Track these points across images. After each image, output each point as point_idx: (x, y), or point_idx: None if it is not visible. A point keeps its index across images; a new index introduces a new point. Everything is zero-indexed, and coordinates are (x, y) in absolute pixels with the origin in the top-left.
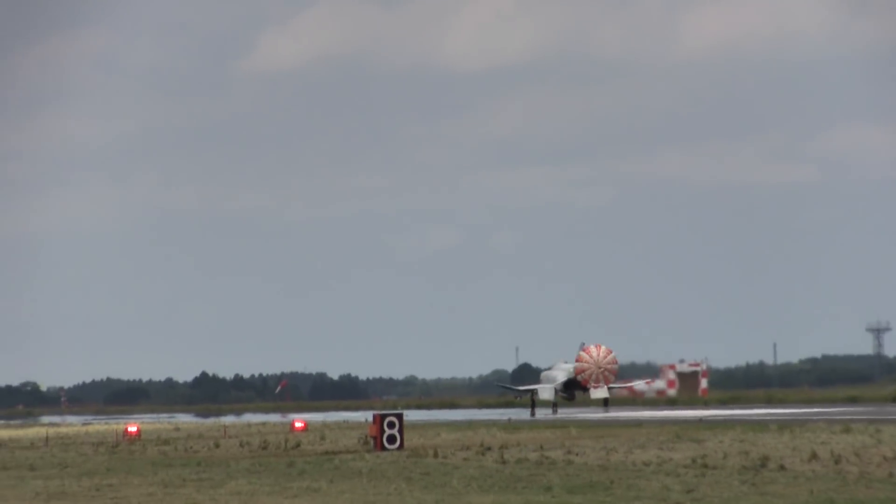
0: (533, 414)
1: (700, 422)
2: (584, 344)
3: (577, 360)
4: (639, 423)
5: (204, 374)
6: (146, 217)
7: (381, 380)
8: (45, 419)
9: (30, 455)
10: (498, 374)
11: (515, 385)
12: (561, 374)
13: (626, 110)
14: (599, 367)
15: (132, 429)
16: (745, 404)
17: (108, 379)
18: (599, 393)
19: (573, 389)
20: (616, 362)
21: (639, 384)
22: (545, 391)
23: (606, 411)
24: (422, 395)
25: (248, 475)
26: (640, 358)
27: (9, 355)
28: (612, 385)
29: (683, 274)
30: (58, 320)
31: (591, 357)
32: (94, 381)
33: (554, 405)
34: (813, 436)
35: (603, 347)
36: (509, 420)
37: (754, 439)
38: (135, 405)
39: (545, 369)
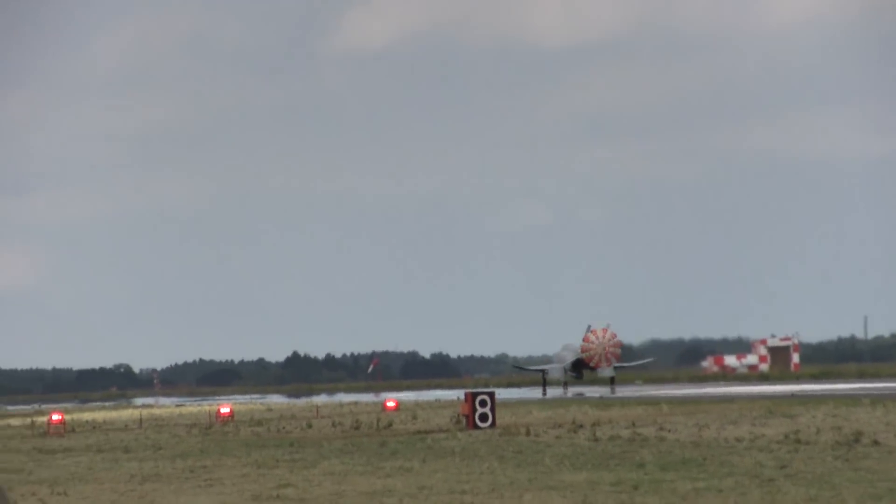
0: (545, 392)
1: (792, 396)
2: (590, 326)
3: (583, 341)
4: (731, 399)
5: (295, 354)
6: (236, 197)
7: (472, 358)
8: (139, 401)
9: (124, 437)
10: None
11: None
12: (570, 354)
13: (714, 84)
14: (604, 348)
15: (225, 410)
16: (837, 378)
17: (201, 360)
18: (606, 372)
19: (581, 369)
20: (620, 344)
21: (641, 363)
22: (555, 371)
23: (613, 389)
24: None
25: (340, 455)
26: (732, 333)
27: (102, 338)
28: (617, 364)
29: (774, 247)
30: (150, 302)
31: (596, 339)
32: (186, 362)
33: (564, 384)
34: None
35: (607, 330)
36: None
37: (847, 414)
38: (227, 386)
39: (557, 351)
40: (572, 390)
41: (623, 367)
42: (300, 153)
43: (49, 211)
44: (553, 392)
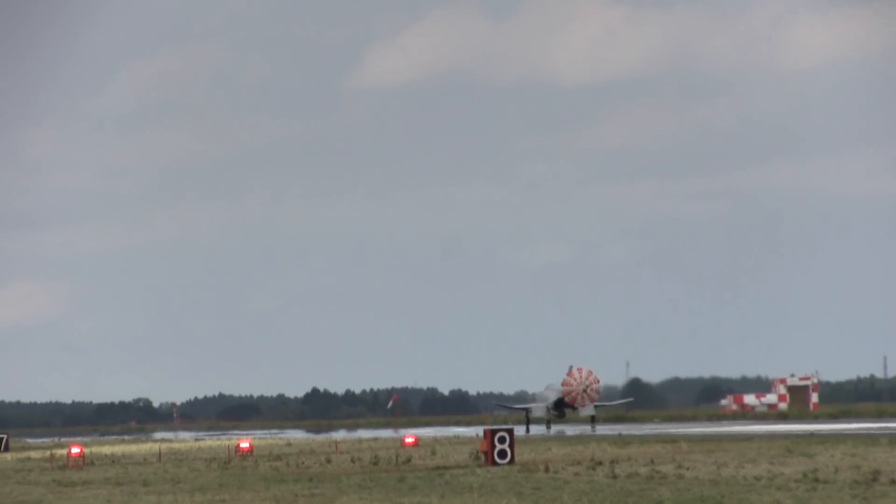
0: (528, 430)
1: (811, 436)
2: (571, 367)
3: (563, 383)
4: (749, 438)
5: (315, 390)
6: (257, 233)
7: (491, 394)
8: (158, 435)
9: (143, 471)
10: (608, 391)
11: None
12: (552, 394)
13: (735, 123)
14: (583, 388)
15: (244, 444)
16: (856, 418)
17: (220, 395)
18: (587, 411)
19: (563, 408)
20: (599, 383)
21: (620, 402)
22: (538, 409)
23: (594, 428)
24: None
25: (359, 490)
26: (751, 372)
27: (122, 371)
28: (598, 404)
29: (793, 286)
30: (170, 337)
31: (575, 380)
32: (206, 396)
33: (547, 422)
34: None
35: (586, 370)
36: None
37: (865, 453)
38: (246, 421)
39: (541, 391)
40: (555, 428)
41: (603, 405)
42: (321, 188)
43: (70, 245)
44: (536, 430)
